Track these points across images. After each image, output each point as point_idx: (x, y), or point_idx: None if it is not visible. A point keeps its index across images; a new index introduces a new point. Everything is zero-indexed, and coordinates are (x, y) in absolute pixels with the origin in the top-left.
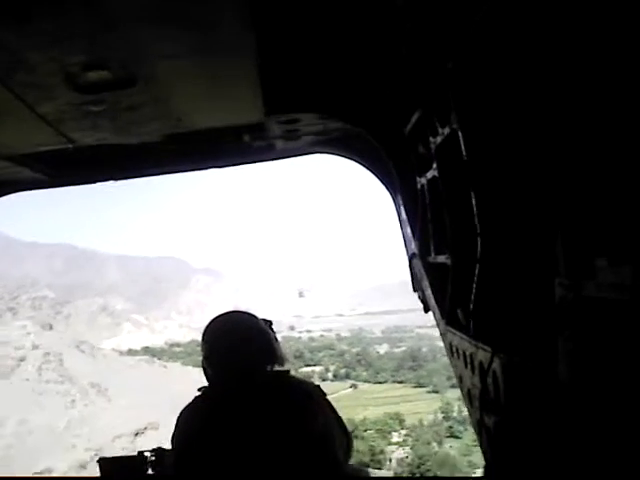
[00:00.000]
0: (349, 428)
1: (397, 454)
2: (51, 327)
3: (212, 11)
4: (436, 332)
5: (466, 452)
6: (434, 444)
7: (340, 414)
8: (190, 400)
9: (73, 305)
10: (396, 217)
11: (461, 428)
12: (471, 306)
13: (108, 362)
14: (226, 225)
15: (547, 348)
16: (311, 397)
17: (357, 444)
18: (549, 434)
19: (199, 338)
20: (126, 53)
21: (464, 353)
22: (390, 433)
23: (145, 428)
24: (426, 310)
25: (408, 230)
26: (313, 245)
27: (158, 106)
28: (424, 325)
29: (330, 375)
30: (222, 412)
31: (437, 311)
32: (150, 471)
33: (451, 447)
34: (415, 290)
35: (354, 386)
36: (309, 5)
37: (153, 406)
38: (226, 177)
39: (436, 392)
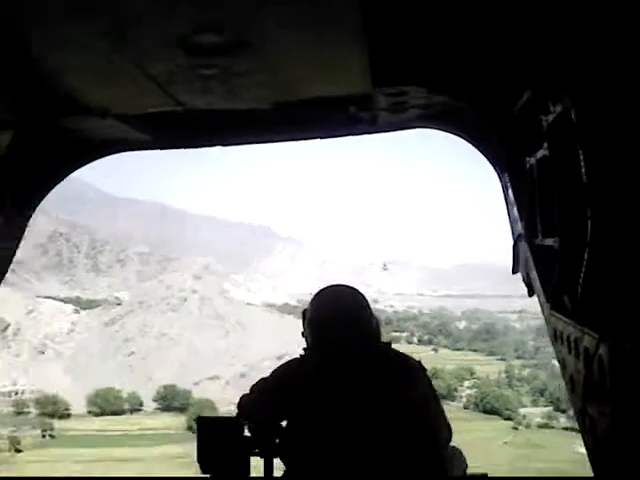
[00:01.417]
0: (430, 373)
1: (466, 392)
2: (200, 277)
3: None
4: (513, 316)
5: (517, 396)
6: (495, 389)
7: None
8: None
9: (179, 262)
10: (502, 197)
11: (518, 383)
12: (579, 290)
13: (240, 308)
14: (310, 193)
15: None
16: (411, 368)
17: (437, 383)
18: None
19: (291, 302)
20: (238, 17)
21: (568, 338)
22: (463, 380)
23: (283, 355)
24: (530, 294)
25: (515, 211)
26: (398, 219)
27: (268, 72)
28: (503, 311)
29: (415, 340)
30: (326, 378)
31: (542, 295)
32: (247, 433)
33: (506, 391)
34: (514, 272)
35: (435, 350)
36: None
37: (283, 341)
38: (310, 144)
39: (504, 360)
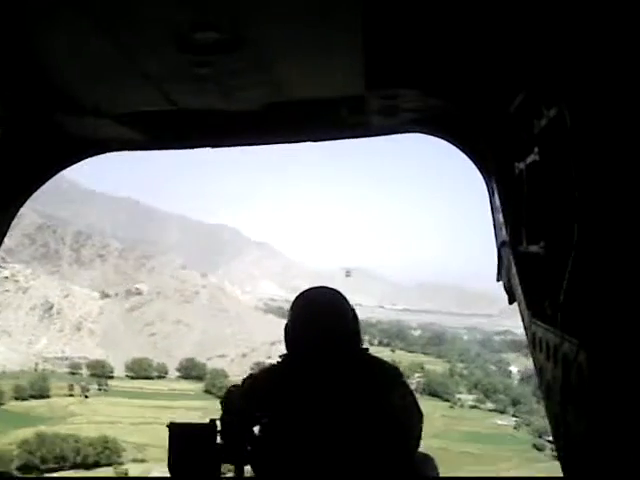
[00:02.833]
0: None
1: (416, 380)
2: (206, 275)
3: None
4: (464, 331)
5: (455, 386)
6: (440, 379)
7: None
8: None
9: (157, 260)
10: (488, 203)
11: (457, 378)
12: (561, 297)
13: (235, 303)
14: (281, 197)
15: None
16: (392, 373)
17: None
18: (637, 433)
19: (259, 304)
20: (234, 15)
21: (548, 345)
22: (414, 372)
23: (276, 341)
24: (511, 301)
25: (500, 217)
26: (365, 228)
27: (261, 72)
28: (456, 327)
29: (376, 342)
30: (300, 384)
31: (523, 302)
32: (219, 440)
33: (447, 382)
34: (499, 280)
35: (393, 351)
36: None
37: (272, 332)
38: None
39: (449, 362)
